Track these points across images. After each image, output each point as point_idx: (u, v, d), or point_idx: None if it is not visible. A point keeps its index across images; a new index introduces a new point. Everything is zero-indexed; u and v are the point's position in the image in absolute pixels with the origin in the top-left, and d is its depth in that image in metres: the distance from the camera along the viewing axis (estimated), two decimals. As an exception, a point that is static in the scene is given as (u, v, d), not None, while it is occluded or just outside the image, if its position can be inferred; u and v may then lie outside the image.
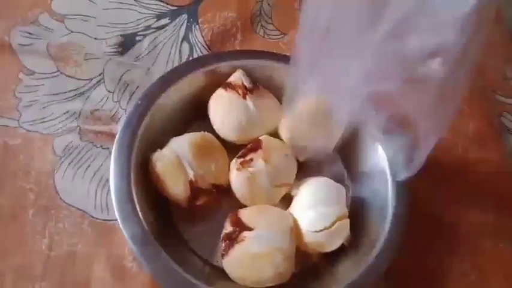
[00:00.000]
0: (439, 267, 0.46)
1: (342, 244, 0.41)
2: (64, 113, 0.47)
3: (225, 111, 0.45)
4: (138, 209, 0.38)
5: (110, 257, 0.40)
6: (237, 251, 0.38)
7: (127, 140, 0.41)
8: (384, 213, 0.42)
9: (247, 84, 0.46)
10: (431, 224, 0.49)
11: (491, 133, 0.57)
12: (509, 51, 0.70)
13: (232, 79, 0.46)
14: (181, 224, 0.44)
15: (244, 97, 0.45)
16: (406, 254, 0.43)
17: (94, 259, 0.40)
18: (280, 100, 0.47)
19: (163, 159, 0.41)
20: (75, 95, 0.48)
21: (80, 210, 0.42)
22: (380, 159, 0.45)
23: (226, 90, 0.45)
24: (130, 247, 0.36)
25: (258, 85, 0.47)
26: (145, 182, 0.41)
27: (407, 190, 0.43)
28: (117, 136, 0.41)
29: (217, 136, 0.46)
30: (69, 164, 0.44)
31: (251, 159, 0.43)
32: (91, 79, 0.49)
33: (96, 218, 0.42)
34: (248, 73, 0.47)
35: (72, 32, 0.52)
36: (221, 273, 0.40)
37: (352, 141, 0.47)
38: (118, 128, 0.42)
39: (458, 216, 0.50)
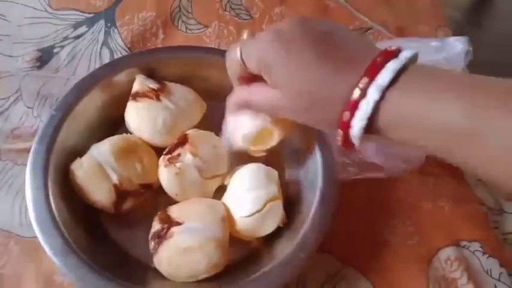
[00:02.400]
0: (380, 233, 0.47)
1: (279, 227, 0.41)
2: (-17, 135, 0.46)
3: (146, 119, 0.44)
4: (59, 220, 0.37)
5: (40, 273, 0.39)
6: (166, 247, 0.38)
7: (42, 153, 0.40)
8: (314, 189, 0.42)
9: (154, 86, 0.45)
10: (369, 192, 0.49)
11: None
12: (439, 17, 0.72)
13: (137, 87, 0.46)
14: (114, 230, 0.43)
15: (158, 99, 0.45)
16: (344, 224, 0.45)
17: (23, 278, 0.39)
18: (201, 89, 0.47)
19: (82, 168, 0.40)
20: None
21: (5, 230, 0.41)
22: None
23: (137, 101, 0.44)
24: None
25: (163, 82, 0.47)
26: (68, 192, 0.40)
27: (335, 161, 0.44)
28: (31, 149, 0.40)
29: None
30: None
31: (179, 155, 0.42)
32: (8, 97, 0.48)
33: (23, 237, 0.41)
34: (165, 69, 0.47)
35: (-14, 52, 0.51)
36: (159, 275, 0.39)
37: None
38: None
39: (396, 181, 0.50)
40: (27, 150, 0.44)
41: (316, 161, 0.44)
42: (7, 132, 0.46)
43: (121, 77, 0.46)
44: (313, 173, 0.44)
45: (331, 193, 0.42)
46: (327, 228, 0.40)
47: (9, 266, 0.39)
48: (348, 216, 0.46)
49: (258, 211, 0.41)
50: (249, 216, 0.41)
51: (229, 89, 0.51)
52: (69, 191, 0.40)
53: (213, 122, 0.47)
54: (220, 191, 0.44)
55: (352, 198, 0.48)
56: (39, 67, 0.51)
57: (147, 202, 0.43)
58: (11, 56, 0.51)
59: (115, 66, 0.47)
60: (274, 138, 0.42)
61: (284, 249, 0.40)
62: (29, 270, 0.39)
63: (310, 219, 0.41)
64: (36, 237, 0.39)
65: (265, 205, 0.41)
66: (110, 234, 0.42)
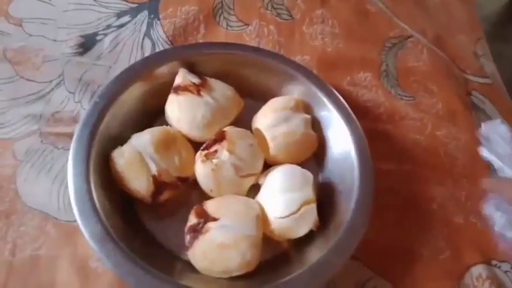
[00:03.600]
0: (411, 245, 0.46)
1: (311, 230, 0.41)
2: (25, 117, 0.46)
3: (186, 113, 0.44)
4: (98, 207, 0.37)
5: (75, 258, 0.39)
6: (201, 242, 0.38)
7: (85, 139, 0.40)
8: (350, 195, 0.42)
9: (195, 81, 0.46)
10: (402, 203, 0.49)
11: (460, 111, 0.57)
12: (478, 29, 0.71)
13: (179, 81, 0.46)
14: (149, 221, 0.43)
15: (199, 94, 0.45)
16: (377, 233, 0.44)
17: (58, 261, 0.39)
18: (238, 87, 0.47)
19: (123, 156, 0.41)
20: (36, 98, 0.48)
21: (43, 212, 0.41)
22: (346, 144, 0.45)
23: (178, 94, 0.45)
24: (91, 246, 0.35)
25: (204, 78, 0.47)
26: (107, 180, 0.41)
27: (373, 171, 0.43)
28: (74, 136, 0.40)
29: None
30: (30, 167, 0.43)
31: (216, 151, 0.43)
32: (51, 81, 0.49)
33: (60, 220, 0.41)
34: (206, 64, 0.48)
35: (31, 35, 0.52)
36: (191, 267, 0.40)
37: (321, 132, 0.48)
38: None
39: (429, 194, 0.50)
40: (67, 135, 0.45)
41: (353, 166, 0.44)
42: (48, 115, 0.47)
43: (163, 70, 0.47)
44: (349, 178, 0.44)
45: (368, 201, 0.42)
46: (362, 236, 0.40)
47: (45, 248, 0.40)
48: (381, 225, 0.45)
49: (292, 213, 0.41)
50: (283, 217, 0.41)
51: (267, 89, 0.52)
52: (108, 179, 0.41)
53: (247, 119, 0.49)
54: (253, 189, 0.44)
55: (386, 208, 0.47)
56: (82, 53, 0.51)
57: (181, 195, 0.43)
58: (55, 41, 0.52)
59: (158, 58, 0.48)
60: None
61: (315, 253, 0.40)
62: (65, 253, 0.39)
63: (346, 225, 0.40)
64: (72, 221, 0.40)
65: (300, 208, 0.41)
66: (145, 224, 0.43)
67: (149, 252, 0.40)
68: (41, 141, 0.45)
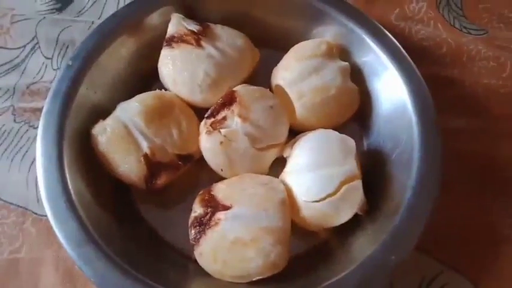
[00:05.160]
0: (492, 226, 0.36)
1: (356, 215, 0.32)
2: (-5, 92, 0.39)
3: (184, 71, 0.35)
4: (75, 200, 0.29)
5: (59, 260, 0.33)
6: (210, 238, 0.29)
7: (56, 114, 0.32)
8: (409, 166, 0.32)
9: (193, 28, 0.36)
10: (477, 171, 0.37)
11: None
12: None
13: (172, 30, 0.36)
14: (149, 212, 0.35)
15: (199, 45, 0.35)
16: (446, 215, 0.35)
17: (41, 265, 0.33)
18: (252, 33, 0.37)
19: (105, 132, 0.32)
20: (9, 68, 0.40)
21: (20, 207, 0.35)
22: (402, 100, 0.34)
23: (173, 48, 0.35)
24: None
25: (206, 24, 0.37)
26: (89, 164, 0.32)
27: (439, 131, 0.32)
28: (43, 110, 0.32)
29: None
30: (3, 153, 0.37)
31: (224, 118, 0.33)
32: (24, 46, 0.41)
33: (41, 216, 0.34)
34: (209, 7, 0.38)
35: (-2, -7, 0.44)
36: (202, 270, 0.31)
37: (365, 83, 0.37)
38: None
39: None
40: (46, 110, 0.37)
41: (410, 127, 0.33)
42: (23, 88, 0.39)
43: (153, 18, 0.37)
44: (406, 142, 0.33)
45: (434, 172, 0.31)
46: (427, 220, 0.30)
47: (26, 250, 0.33)
48: (451, 202, 0.36)
49: (330, 195, 0.31)
50: (318, 201, 0.31)
51: (290, 34, 0.40)
52: (91, 162, 0.32)
53: (266, 75, 0.39)
54: (278, 165, 0.35)
55: (457, 180, 0.36)
56: (60, 9, 0.43)
57: (186, 178, 0.35)
58: (28, -3, 0.43)
59: (146, 3, 0.37)
60: None
61: (365, 246, 0.31)
62: (48, 255, 0.33)
63: (405, 207, 0.30)
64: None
65: (340, 187, 0.31)
66: (142, 216, 0.35)
67: (148, 253, 0.32)
68: (14, 120, 0.38)
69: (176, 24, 0.36)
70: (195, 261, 0.31)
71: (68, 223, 0.28)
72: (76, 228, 0.28)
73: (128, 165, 0.32)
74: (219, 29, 0.37)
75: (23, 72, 0.40)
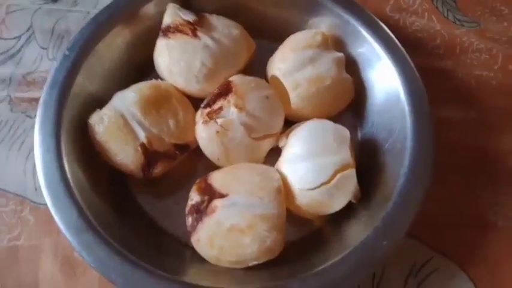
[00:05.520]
0: (482, 215, 0.36)
1: (350, 202, 0.32)
2: (-9, 82, 0.39)
3: (180, 61, 0.35)
4: (74, 188, 0.29)
5: (58, 248, 0.33)
6: (207, 225, 0.30)
7: (54, 103, 0.32)
8: (401, 155, 0.32)
9: (189, 18, 0.36)
10: (468, 161, 0.38)
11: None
12: None
13: (168, 20, 0.36)
14: (146, 200, 0.35)
15: (195, 35, 0.35)
16: (437, 202, 0.36)
17: (40, 253, 0.33)
18: (247, 24, 0.37)
19: (102, 121, 0.32)
20: (4, 58, 0.40)
21: (19, 196, 0.35)
22: (395, 91, 0.35)
23: (169, 38, 0.35)
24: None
25: (202, 14, 0.37)
26: (87, 153, 0.33)
27: (432, 121, 0.32)
28: (41, 100, 0.32)
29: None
30: (0, 142, 0.36)
31: (220, 108, 0.33)
32: (19, 36, 0.41)
33: (39, 204, 0.35)
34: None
35: (-7, -18, 0.43)
36: (199, 256, 0.32)
37: (359, 74, 0.38)
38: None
39: (503, 147, 0.39)
40: (43, 100, 0.37)
41: (403, 116, 0.33)
42: (19, 78, 0.39)
43: (149, 8, 0.37)
44: (399, 132, 0.33)
45: (426, 161, 0.32)
46: (418, 208, 0.30)
47: (24, 237, 0.33)
48: (442, 191, 0.36)
49: (324, 183, 0.32)
50: (313, 189, 0.31)
51: (285, 25, 0.41)
52: (88, 152, 0.33)
53: (261, 65, 0.39)
54: (273, 155, 0.35)
55: (449, 169, 0.37)
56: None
57: (183, 167, 0.35)
58: (23, -14, 0.43)
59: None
60: None
61: (358, 232, 0.31)
62: (46, 244, 0.33)
63: (397, 195, 0.31)
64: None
65: (334, 175, 0.32)
66: (140, 205, 0.35)
67: (145, 240, 0.32)
68: (11, 110, 0.38)
69: (172, 15, 0.36)
70: (192, 248, 0.32)
71: (67, 211, 0.28)
72: (76, 215, 0.28)
73: (125, 154, 0.32)
74: (215, 19, 0.37)
75: (18, 62, 0.40)
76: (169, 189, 0.35)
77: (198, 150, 0.35)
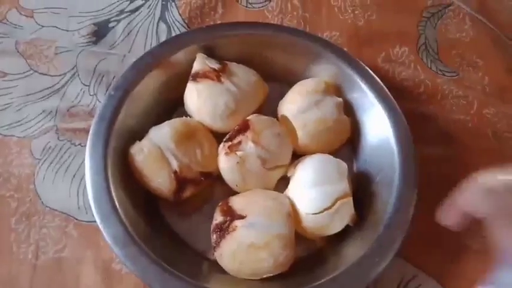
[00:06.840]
0: (459, 238, 0.41)
1: (347, 225, 0.38)
2: (40, 113, 0.44)
3: (207, 102, 0.41)
4: (118, 207, 0.35)
5: (98, 260, 0.38)
6: (229, 242, 0.35)
7: (102, 135, 0.38)
8: (391, 186, 0.38)
9: (215, 66, 0.42)
10: (447, 192, 0.44)
11: (510, 86, 0.51)
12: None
13: (197, 67, 0.42)
14: (173, 219, 0.41)
15: (219, 80, 0.41)
16: (420, 226, 0.40)
17: (82, 264, 0.38)
18: (262, 70, 0.43)
19: (142, 152, 0.38)
20: (50, 92, 0.46)
21: (64, 213, 0.40)
22: (385, 131, 0.41)
23: (197, 82, 0.41)
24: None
25: (224, 62, 0.43)
26: (127, 178, 0.38)
27: (416, 158, 0.39)
28: (90, 131, 0.38)
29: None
30: (48, 166, 0.42)
31: (240, 142, 0.39)
32: (65, 74, 0.46)
33: (81, 220, 0.40)
34: (226, 47, 0.44)
35: (42, 26, 0.49)
36: (218, 268, 0.37)
37: (355, 116, 0.44)
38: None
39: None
40: (84, 130, 0.43)
41: (392, 153, 0.40)
42: (63, 110, 0.45)
43: (180, 56, 0.43)
44: (389, 166, 0.40)
45: (411, 192, 0.38)
46: (406, 231, 0.36)
47: (68, 250, 0.38)
48: (425, 216, 0.40)
49: (326, 208, 0.37)
50: (317, 213, 0.37)
51: (293, 71, 0.47)
52: (128, 176, 0.38)
53: (273, 106, 0.45)
54: (282, 183, 0.41)
55: (431, 198, 0.42)
56: (95, 42, 0.49)
57: (205, 191, 0.41)
58: (67, 31, 0.49)
59: (174, 43, 0.44)
60: None
61: (354, 252, 0.37)
62: (87, 256, 0.38)
63: (387, 220, 0.37)
64: (93, 221, 0.38)
65: (335, 202, 0.37)
66: (169, 223, 0.40)
67: (174, 253, 0.37)
68: (58, 138, 0.43)
69: (200, 63, 0.42)
70: (212, 261, 0.38)
71: (114, 227, 0.34)
72: (122, 231, 0.34)
73: (160, 180, 0.37)
74: (235, 67, 0.43)
75: (63, 96, 0.45)
76: (192, 210, 0.41)
77: (218, 177, 0.40)
